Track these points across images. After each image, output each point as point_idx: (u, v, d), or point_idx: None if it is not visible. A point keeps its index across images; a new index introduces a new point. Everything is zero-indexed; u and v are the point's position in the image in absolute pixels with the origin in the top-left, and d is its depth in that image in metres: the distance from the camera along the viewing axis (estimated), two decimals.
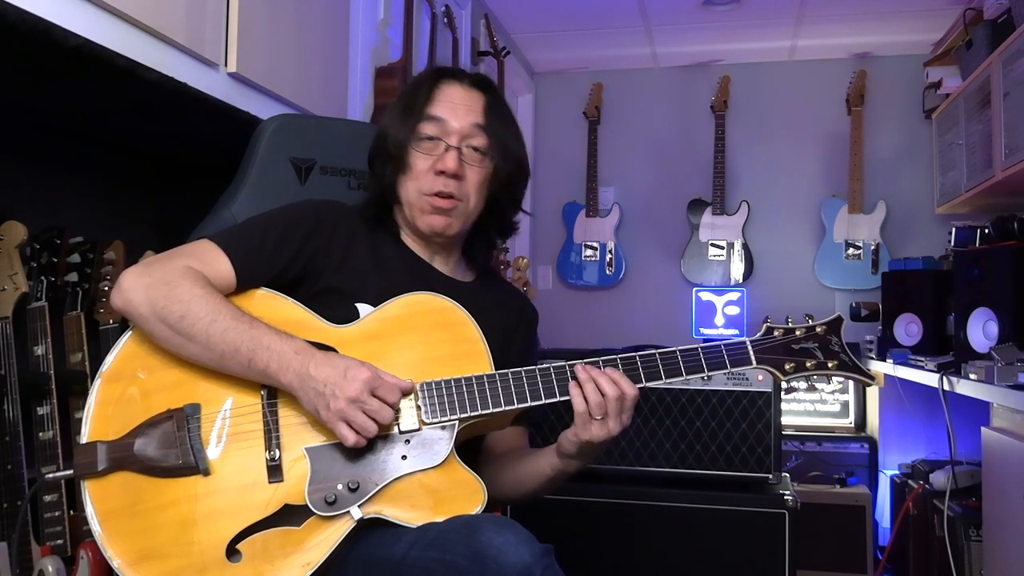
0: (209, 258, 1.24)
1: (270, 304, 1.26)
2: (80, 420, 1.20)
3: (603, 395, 1.20)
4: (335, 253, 1.32)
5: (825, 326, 1.30)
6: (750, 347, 1.27)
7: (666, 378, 1.26)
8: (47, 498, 1.73)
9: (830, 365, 1.29)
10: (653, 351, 1.25)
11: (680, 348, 1.26)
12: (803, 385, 1.29)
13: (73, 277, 1.86)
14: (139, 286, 1.18)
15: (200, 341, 1.16)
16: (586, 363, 1.23)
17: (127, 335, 1.23)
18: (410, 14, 2.69)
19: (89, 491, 1.15)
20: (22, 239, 1.76)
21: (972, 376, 2.29)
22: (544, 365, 1.24)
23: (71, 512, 1.73)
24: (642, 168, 4.40)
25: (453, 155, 1.33)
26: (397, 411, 1.17)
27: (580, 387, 1.21)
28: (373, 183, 1.43)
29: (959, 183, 3.28)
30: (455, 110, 1.35)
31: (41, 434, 1.75)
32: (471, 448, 1.35)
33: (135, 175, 2.23)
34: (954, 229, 2.94)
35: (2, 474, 1.70)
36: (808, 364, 1.29)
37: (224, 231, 1.32)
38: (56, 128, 1.94)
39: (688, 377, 1.26)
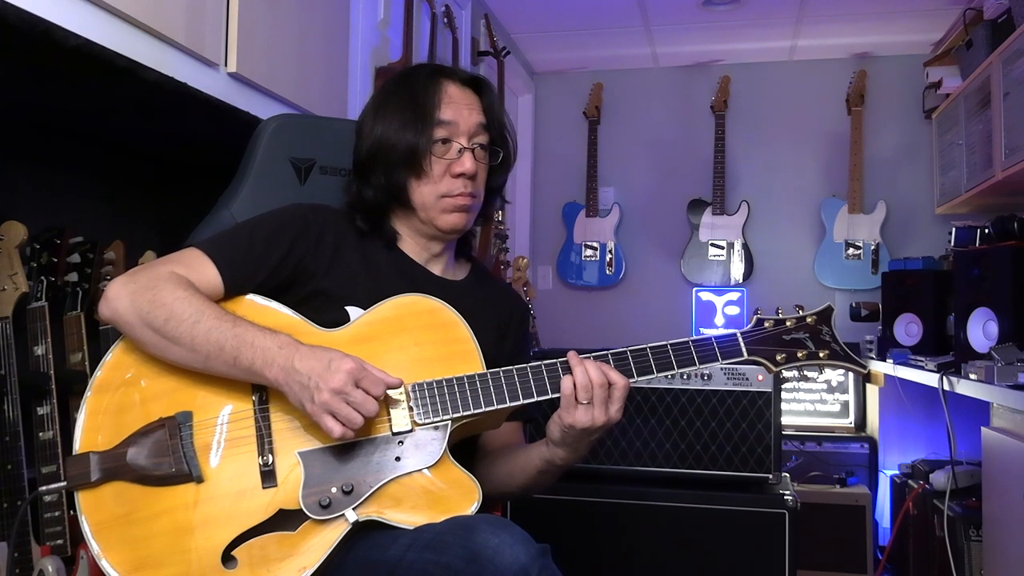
0: (195, 264, 1.23)
1: (259, 309, 1.25)
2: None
3: (590, 379, 1.20)
4: (324, 256, 1.32)
5: (815, 316, 1.30)
6: (741, 339, 1.27)
7: (657, 372, 1.26)
8: (47, 498, 1.73)
9: (821, 355, 1.28)
10: (644, 346, 1.26)
11: (671, 342, 1.26)
12: (795, 373, 1.29)
13: (73, 277, 1.85)
14: (124, 294, 1.18)
15: (185, 343, 1.15)
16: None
17: (116, 345, 1.22)
18: (410, 14, 2.69)
19: (82, 502, 1.14)
20: (22, 239, 1.76)
21: (972, 376, 2.29)
22: (535, 363, 1.24)
23: (71, 512, 1.73)
24: (642, 168, 4.40)
25: (469, 157, 1.35)
26: (387, 407, 1.17)
27: (570, 370, 1.21)
28: (369, 191, 1.38)
29: (959, 183, 3.28)
30: (460, 111, 1.36)
31: (41, 434, 1.75)
32: (466, 447, 1.34)
33: (135, 175, 2.23)
34: (954, 229, 2.94)
35: (2, 474, 1.70)
36: (799, 354, 1.28)
37: (210, 237, 1.31)
38: (56, 128, 1.94)
39: (680, 371, 1.26)
